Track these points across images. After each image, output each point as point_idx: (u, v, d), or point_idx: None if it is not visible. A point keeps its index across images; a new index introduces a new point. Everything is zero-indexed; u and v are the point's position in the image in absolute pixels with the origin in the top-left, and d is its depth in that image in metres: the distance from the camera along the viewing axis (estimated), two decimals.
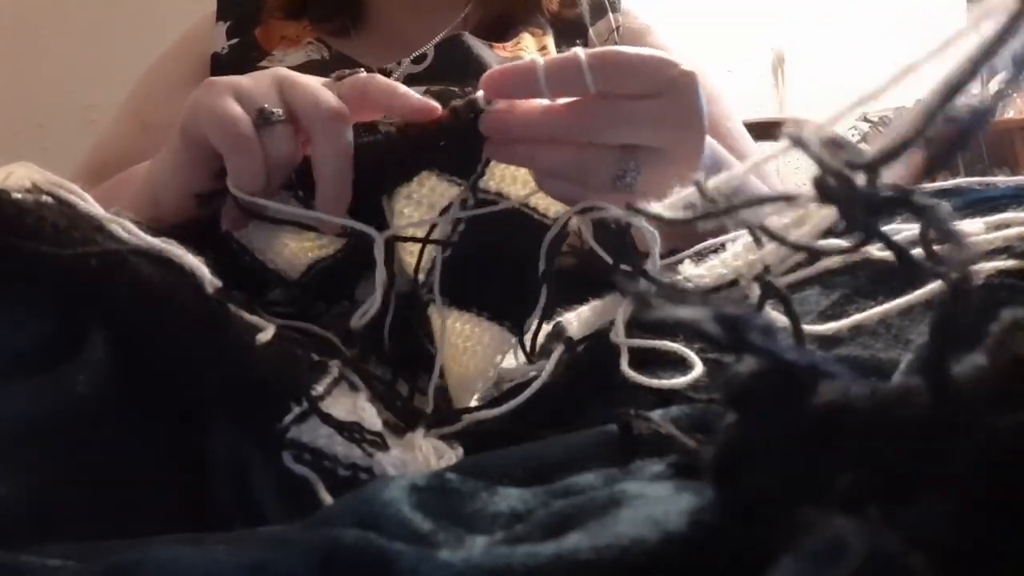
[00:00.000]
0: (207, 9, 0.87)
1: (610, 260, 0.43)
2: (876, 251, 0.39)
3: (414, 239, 0.48)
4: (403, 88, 0.46)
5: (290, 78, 0.47)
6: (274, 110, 0.46)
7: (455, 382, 0.47)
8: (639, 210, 0.34)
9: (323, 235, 0.49)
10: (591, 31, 0.82)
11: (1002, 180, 0.41)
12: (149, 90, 0.85)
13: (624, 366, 0.36)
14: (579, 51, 0.43)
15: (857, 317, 0.34)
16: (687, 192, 0.35)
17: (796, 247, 0.32)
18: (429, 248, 0.48)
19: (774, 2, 2.32)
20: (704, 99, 0.47)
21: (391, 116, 0.47)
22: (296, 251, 0.50)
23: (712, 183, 0.32)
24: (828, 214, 0.44)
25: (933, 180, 0.41)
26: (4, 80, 2.20)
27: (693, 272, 0.43)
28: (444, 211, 0.48)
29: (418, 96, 0.46)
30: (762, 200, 0.23)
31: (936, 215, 0.19)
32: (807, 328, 0.34)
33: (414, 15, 0.81)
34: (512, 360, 0.49)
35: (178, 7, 1.54)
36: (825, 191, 0.20)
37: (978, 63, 0.18)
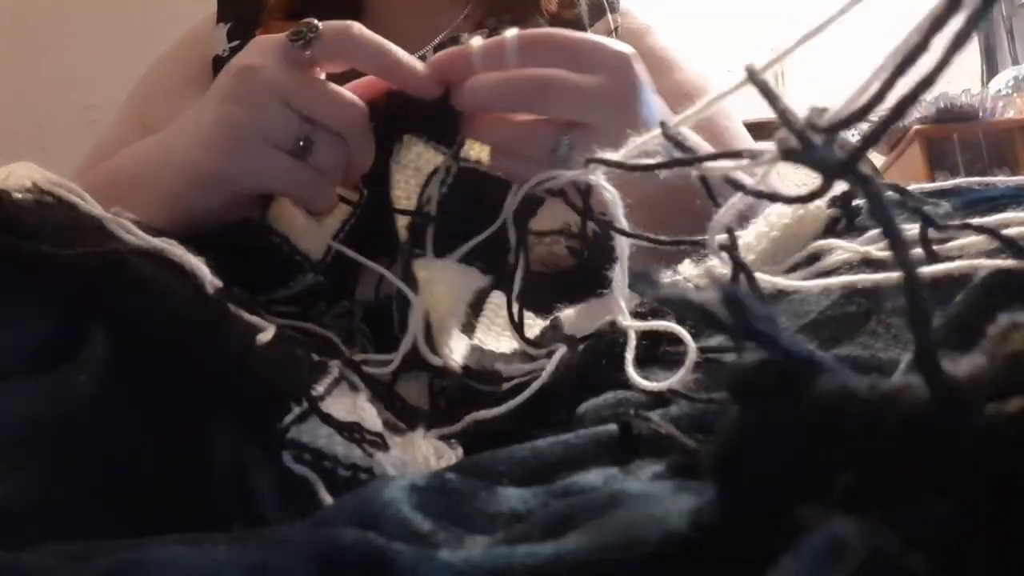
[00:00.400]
0: (207, 10, 0.87)
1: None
2: (876, 251, 0.39)
3: (406, 212, 0.52)
4: (395, 54, 0.48)
5: (289, 89, 0.47)
6: (307, 134, 0.47)
7: (435, 329, 0.47)
8: (600, 160, 0.36)
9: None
10: (590, 31, 0.82)
11: (1002, 180, 0.41)
12: (150, 91, 0.85)
13: (629, 366, 0.36)
14: (511, 32, 0.47)
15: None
16: (645, 139, 0.36)
17: (758, 195, 0.33)
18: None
19: (774, 2, 2.32)
20: (641, 81, 0.50)
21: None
22: (315, 230, 0.51)
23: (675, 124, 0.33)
24: (829, 214, 0.44)
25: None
26: (4, 80, 2.20)
27: (692, 272, 0.43)
28: (431, 176, 0.51)
29: (418, 70, 0.48)
30: (724, 154, 0.23)
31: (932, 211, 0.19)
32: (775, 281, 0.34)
33: (414, 17, 0.81)
34: (504, 345, 0.49)
35: (178, 8, 1.54)
36: (786, 151, 0.20)
37: (930, 31, 0.18)
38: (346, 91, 0.48)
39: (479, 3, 0.81)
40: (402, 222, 0.52)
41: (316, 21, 0.48)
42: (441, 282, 0.49)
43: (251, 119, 0.47)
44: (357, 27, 0.48)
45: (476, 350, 0.47)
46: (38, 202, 0.35)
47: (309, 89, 0.47)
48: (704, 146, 0.57)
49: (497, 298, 0.53)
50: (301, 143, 0.47)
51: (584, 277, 0.61)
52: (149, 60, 0.88)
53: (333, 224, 0.51)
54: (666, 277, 0.44)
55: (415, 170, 0.51)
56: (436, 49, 0.74)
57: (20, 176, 0.37)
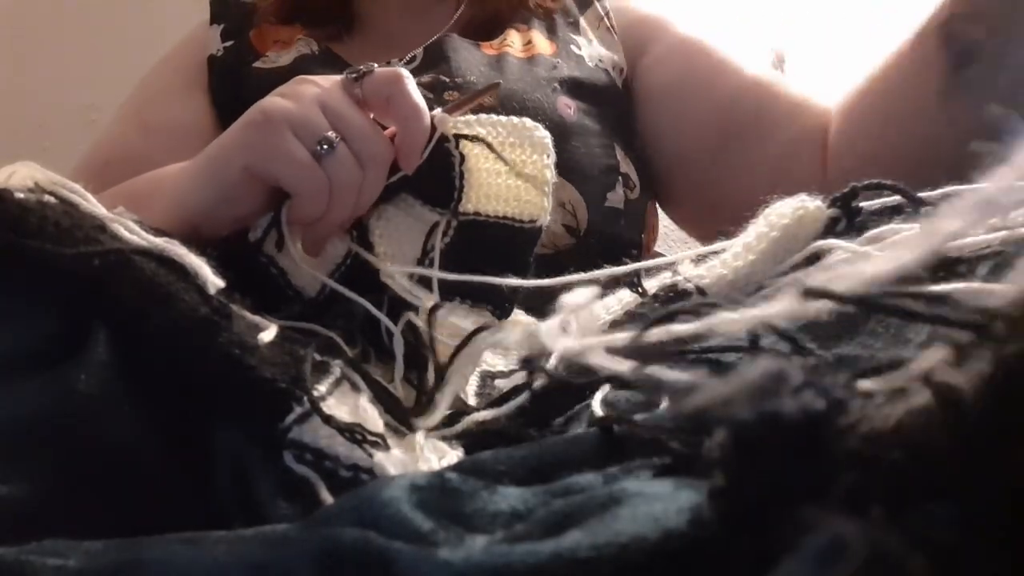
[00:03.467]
0: (206, 11, 0.87)
1: None
2: (875, 251, 0.39)
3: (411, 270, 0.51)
4: (421, 126, 0.49)
5: (332, 101, 0.48)
6: (332, 137, 0.47)
7: (449, 381, 0.47)
8: None
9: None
10: (582, 19, 0.83)
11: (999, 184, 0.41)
12: (149, 94, 0.85)
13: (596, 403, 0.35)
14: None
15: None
16: None
17: None
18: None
19: (774, 2, 2.32)
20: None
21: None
22: (312, 269, 0.51)
23: None
24: (829, 214, 0.44)
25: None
26: (4, 80, 2.20)
27: (693, 272, 0.43)
28: (428, 234, 0.51)
29: (419, 150, 0.49)
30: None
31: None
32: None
33: (406, 18, 0.81)
34: (512, 359, 0.49)
35: (177, 8, 1.54)
36: None
37: None
38: (380, 135, 0.49)
39: (470, 3, 0.81)
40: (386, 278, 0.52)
41: (375, 65, 0.49)
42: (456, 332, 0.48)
43: (286, 107, 0.48)
44: (410, 82, 0.49)
45: (486, 377, 0.48)
46: (40, 202, 0.35)
47: (350, 108, 0.48)
48: None
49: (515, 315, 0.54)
50: (322, 146, 0.47)
51: (580, 255, 0.62)
52: (149, 60, 0.88)
53: (329, 265, 0.51)
54: (666, 278, 0.44)
55: (408, 227, 0.52)
56: (426, 50, 0.74)
57: (22, 176, 0.37)
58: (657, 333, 0.27)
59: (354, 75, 0.49)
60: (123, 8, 2.24)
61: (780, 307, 0.24)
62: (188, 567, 0.21)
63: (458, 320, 0.49)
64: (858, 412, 0.17)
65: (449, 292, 0.49)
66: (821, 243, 0.42)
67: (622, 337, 0.29)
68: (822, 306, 0.23)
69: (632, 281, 0.47)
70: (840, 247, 0.40)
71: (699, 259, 0.45)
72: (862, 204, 0.44)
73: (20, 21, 2.25)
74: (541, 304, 0.52)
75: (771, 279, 0.42)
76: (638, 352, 0.25)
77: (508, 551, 0.20)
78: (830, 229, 0.44)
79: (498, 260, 0.50)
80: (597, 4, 0.84)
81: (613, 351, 0.27)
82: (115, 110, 0.88)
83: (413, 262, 0.51)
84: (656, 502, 0.21)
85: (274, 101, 0.49)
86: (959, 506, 0.16)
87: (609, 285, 0.48)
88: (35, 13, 2.26)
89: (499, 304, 0.51)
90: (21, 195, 0.34)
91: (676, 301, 0.41)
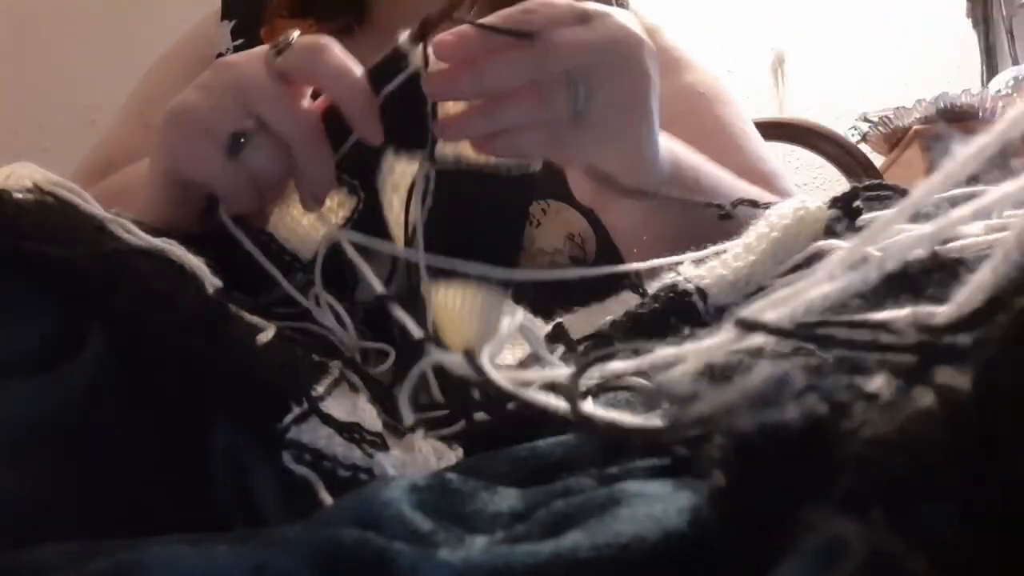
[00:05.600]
0: (208, 9, 0.87)
1: None
2: (875, 251, 0.39)
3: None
4: (352, 76, 0.46)
5: (247, 84, 0.46)
6: (246, 130, 0.45)
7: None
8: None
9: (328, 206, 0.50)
10: None
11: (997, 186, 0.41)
12: (152, 90, 0.85)
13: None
14: (492, 19, 0.46)
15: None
16: None
17: None
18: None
19: (774, 2, 2.32)
20: (643, 40, 0.49)
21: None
22: (308, 228, 0.50)
23: None
24: (829, 215, 0.44)
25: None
26: (4, 80, 2.20)
27: (693, 273, 0.43)
28: (410, 191, 0.48)
29: (372, 119, 0.46)
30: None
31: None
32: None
33: (418, 14, 0.81)
34: (518, 352, 0.49)
35: (179, 7, 1.54)
36: None
37: None
38: (303, 103, 0.47)
39: (484, 2, 0.81)
40: (399, 232, 0.50)
41: (296, 33, 0.47)
42: (462, 310, 0.47)
43: (196, 105, 0.47)
44: (332, 48, 0.46)
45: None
46: (38, 202, 0.35)
47: (266, 90, 0.46)
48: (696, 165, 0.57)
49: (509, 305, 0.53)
50: (236, 139, 0.45)
51: (587, 284, 0.61)
52: (149, 60, 0.88)
53: (325, 227, 0.49)
54: (667, 278, 0.44)
55: (393, 186, 0.49)
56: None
57: (20, 176, 0.37)
58: (595, 372, 0.26)
59: (275, 50, 0.46)
60: (123, 8, 2.24)
61: (717, 340, 0.23)
62: (188, 567, 0.21)
63: (452, 298, 0.48)
64: (861, 415, 0.17)
65: (448, 272, 0.47)
66: (821, 243, 0.42)
67: (560, 374, 0.29)
68: (760, 339, 0.23)
69: (633, 283, 0.47)
70: (840, 248, 0.40)
71: (699, 259, 0.45)
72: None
73: (20, 21, 2.25)
74: (543, 306, 0.52)
75: (771, 279, 0.42)
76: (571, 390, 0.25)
77: (508, 552, 0.20)
78: (830, 230, 0.44)
79: (493, 217, 0.48)
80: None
81: (551, 388, 0.27)
82: (115, 110, 0.87)
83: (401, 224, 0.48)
84: (656, 502, 0.20)
85: (186, 99, 0.47)
86: (960, 507, 0.16)
87: (611, 288, 0.48)
88: (35, 13, 2.26)
89: (502, 281, 0.48)
90: (19, 196, 0.34)
91: (676, 301, 0.41)
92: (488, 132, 0.47)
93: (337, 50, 0.46)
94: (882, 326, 0.19)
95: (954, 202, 0.37)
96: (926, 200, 0.19)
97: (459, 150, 0.48)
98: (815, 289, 0.21)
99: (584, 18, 0.47)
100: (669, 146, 0.54)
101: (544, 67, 0.46)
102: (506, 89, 0.46)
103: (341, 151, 0.48)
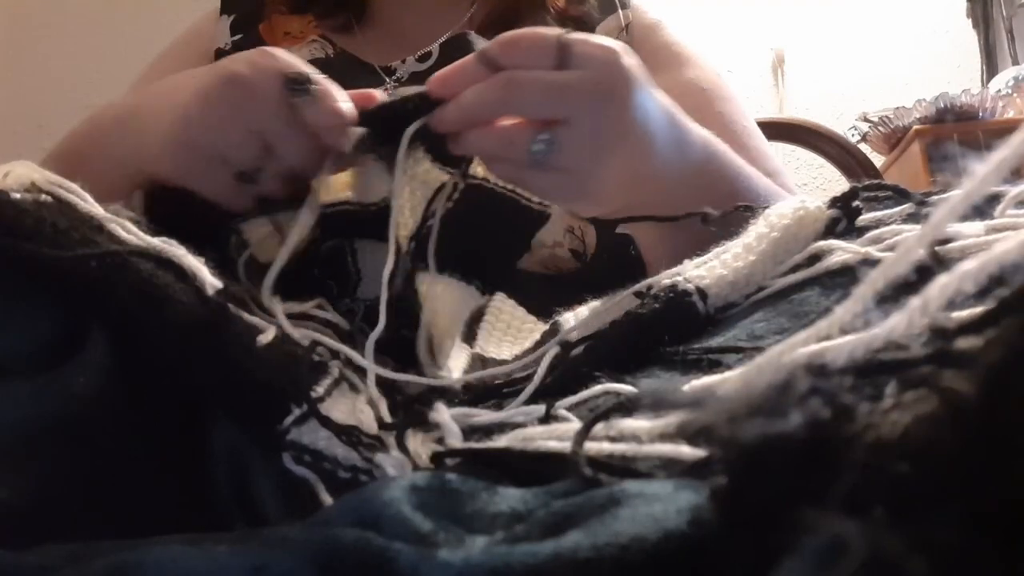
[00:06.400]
0: (207, 8, 0.87)
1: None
2: (876, 251, 0.39)
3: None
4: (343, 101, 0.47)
5: (260, 117, 0.47)
6: (252, 170, 0.47)
7: (435, 344, 0.47)
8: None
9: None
10: (599, 28, 0.81)
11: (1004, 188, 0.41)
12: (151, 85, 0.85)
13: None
14: (481, 42, 0.46)
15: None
16: None
17: None
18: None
19: (774, 2, 2.32)
20: (631, 75, 0.47)
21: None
22: (333, 184, 0.52)
23: None
24: (829, 215, 0.44)
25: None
26: (4, 80, 2.20)
27: (693, 273, 0.43)
28: (438, 191, 0.50)
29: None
30: None
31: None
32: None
33: (418, 12, 0.81)
34: (505, 351, 0.49)
35: (179, 6, 1.54)
36: None
37: None
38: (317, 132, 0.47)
39: (483, 25, 0.80)
40: (402, 231, 0.50)
41: (316, 78, 0.47)
42: (441, 299, 0.48)
43: (208, 127, 0.47)
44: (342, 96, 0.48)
45: (477, 360, 0.48)
46: (37, 202, 0.35)
47: (281, 129, 0.47)
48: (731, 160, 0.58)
49: (499, 301, 0.53)
50: (249, 173, 0.47)
51: (584, 279, 0.61)
52: (149, 59, 0.88)
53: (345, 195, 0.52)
54: (667, 277, 0.44)
55: (422, 183, 0.50)
56: (442, 47, 0.74)
57: (19, 175, 0.37)
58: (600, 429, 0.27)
59: (292, 82, 0.47)
60: (123, 8, 2.24)
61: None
62: (188, 567, 0.21)
63: (444, 292, 0.49)
64: (865, 419, 0.17)
65: (440, 262, 0.49)
66: (821, 244, 0.42)
67: (564, 430, 0.29)
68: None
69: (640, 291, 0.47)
70: (840, 248, 0.40)
71: (699, 259, 0.45)
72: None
73: (20, 21, 2.25)
74: (542, 304, 0.52)
75: (771, 279, 0.42)
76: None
77: (508, 551, 0.19)
78: (830, 229, 0.44)
79: (497, 235, 0.50)
80: (621, 12, 0.82)
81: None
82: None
83: (417, 220, 0.50)
84: (656, 502, 0.20)
85: (197, 117, 0.48)
86: (963, 510, 0.16)
87: (611, 286, 0.48)
88: (35, 13, 2.26)
89: (488, 284, 0.51)
90: (17, 196, 0.34)
91: (676, 301, 0.41)
92: (469, 153, 0.49)
93: (346, 98, 0.48)
94: (895, 346, 0.19)
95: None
96: (947, 221, 0.19)
97: (488, 172, 0.51)
98: (850, 336, 0.20)
99: (565, 56, 0.46)
100: (707, 150, 0.55)
101: (510, 107, 0.46)
102: (478, 119, 0.47)
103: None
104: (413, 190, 0.50)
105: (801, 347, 0.21)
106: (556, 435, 0.29)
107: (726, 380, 0.29)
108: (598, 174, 0.48)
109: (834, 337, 0.21)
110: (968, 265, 0.18)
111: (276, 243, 0.50)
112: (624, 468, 0.24)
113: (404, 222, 0.50)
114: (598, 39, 0.47)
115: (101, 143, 0.59)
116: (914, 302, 0.19)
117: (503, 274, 0.51)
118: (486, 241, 0.50)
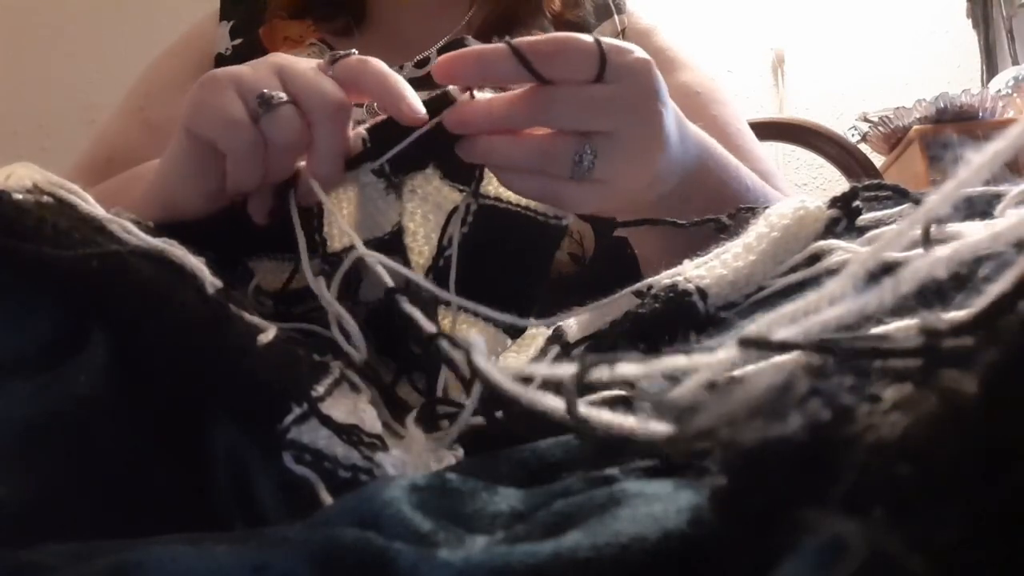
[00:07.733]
0: (207, 9, 0.87)
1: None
2: (894, 256, 0.39)
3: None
4: (395, 83, 0.46)
5: (290, 64, 0.47)
6: (274, 93, 0.45)
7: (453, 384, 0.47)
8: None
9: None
10: (595, 33, 0.81)
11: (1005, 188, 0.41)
12: (150, 88, 0.85)
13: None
14: (516, 41, 0.44)
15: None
16: None
17: None
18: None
19: (774, 2, 2.32)
20: (662, 86, 0.47)
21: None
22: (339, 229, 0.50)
23: None
24: (829, 215, 0.44)
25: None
26: (4, 80, 2.20)
27: (693, 273, 0.43)
28: (451, 215, 0.48)
29: (408, 98, 0.46)
30: None
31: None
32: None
33: (417, 17, 0.81)
34: (522, 358, 0.49)
35: (178, 7, 1.54)
36: None
37: None
38: (333, 83, 0.47)
39: (482, 5, 0.81)
40: (417, 258, 0.49)
41: (355, 51, 0.48)
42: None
43: (237, 69, 0.47)
44: (375, 61, 0.47)
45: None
46: (38, 203, 0.35)
47: (308, 70, 0.46)
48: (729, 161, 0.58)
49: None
50: (262, 102, 0.45)
51: (585, 282, 0.61)
52: (149, 60, 0.88)
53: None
54: (667, 277, 0.44)
55: (435, 206, 0.48)
56: (439, 52, 0.74)
57: (20, 177, 0.37)
58: (599, 372, 0.26)
59: (331, 58, 0.47)
60: (123, 8, 2.24)
61: (723, 356, 0.23)
62: (188, 567, 0.21)
63: (467, 328, 0.47)
64: (865, 420, 0.17)
65: (463, 294, 0.47)
66: (821, 244, 0.42)
67: (563, 373, 0.28)
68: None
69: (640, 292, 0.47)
70: (840, 248, 0.40)
71: (699, 259, 0.45)
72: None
73: (20, 21, 2.25)
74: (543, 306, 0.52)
75: (771, 279, 0.42)
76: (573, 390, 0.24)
77: (508, 551, 0.20)
78: (830, 229, 0.44)
79: (522, 258, 0.48)
80: (616, 17, 0.82)
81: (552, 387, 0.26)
82: (115, 110, 0.88)
83: (432, 248, 0.48)
84: (656, 502, 0.20)
85: (229, 67, 0.48)
86: (963, 510, 0.16)
87: (610, 288, 0.48)
88: (35, 13, 2.26)
89: (511, 326, 0.47)
90: (19, 196, 0.34)
91: (676, 301, 0.41)
92: (486, 163, 0.47)
93: (379, 66, 0.47)
94: (884, 338, 0.19)
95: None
96: (939, 210, 0.19)
97: (499, 189, 0.49)
98: (829, 308, 0.20)
99: (604, 67, 0.45)
100: (701, 147, 0.55)
101: (551, 119, 0.45)
102: (512, 127, 0.46)
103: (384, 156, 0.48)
104: (425, 214, 0.48)
105: (788, 320, 0.21)
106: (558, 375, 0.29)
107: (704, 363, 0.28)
108: (631, 182, 0.48)
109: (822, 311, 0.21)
110: (942, 251, 0.18)
111: (282, 273, 0.49)
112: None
113: (419, 249, 0.49)
114: (629, 46, 0.47)
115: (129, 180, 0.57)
116: (887, 282, 0.19)
117: (533, 301, 0.48)
118: (510, 267, 0.48)
